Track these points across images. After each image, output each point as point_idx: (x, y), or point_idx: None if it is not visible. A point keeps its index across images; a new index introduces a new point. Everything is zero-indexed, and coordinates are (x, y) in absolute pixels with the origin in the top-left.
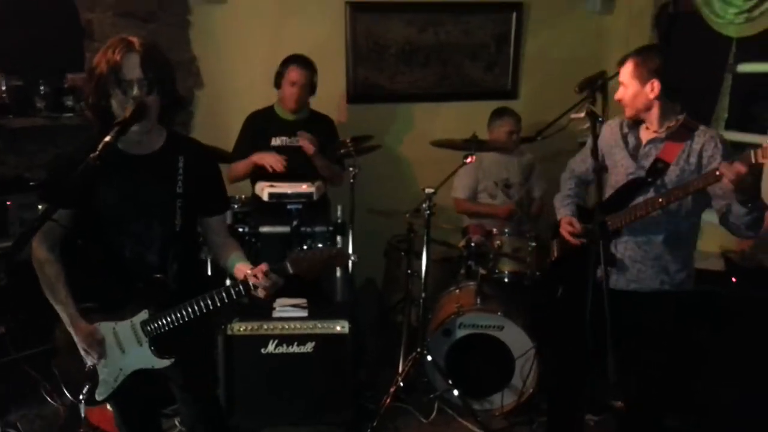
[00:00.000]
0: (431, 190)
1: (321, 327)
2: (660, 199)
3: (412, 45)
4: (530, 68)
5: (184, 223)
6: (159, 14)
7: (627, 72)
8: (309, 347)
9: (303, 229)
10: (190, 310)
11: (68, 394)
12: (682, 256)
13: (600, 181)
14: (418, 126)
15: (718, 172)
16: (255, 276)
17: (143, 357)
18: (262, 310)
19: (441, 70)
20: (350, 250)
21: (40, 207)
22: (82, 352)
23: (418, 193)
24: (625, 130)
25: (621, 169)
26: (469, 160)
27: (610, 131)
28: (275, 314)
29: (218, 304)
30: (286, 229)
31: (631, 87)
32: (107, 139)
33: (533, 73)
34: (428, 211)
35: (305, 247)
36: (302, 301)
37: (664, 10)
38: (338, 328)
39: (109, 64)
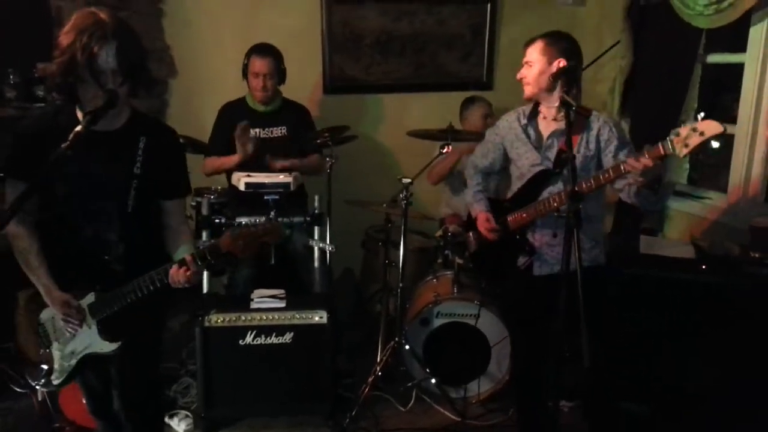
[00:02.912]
0: (408, 181)
1: (299, 317)
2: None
3: (388, 35)
4: (505, 59)
5: (137, 205)
6: (131, 2)
7: (536, 50)
8: (287, 338)
9: (280, 219)
10: (128, 293)
11: (29, 379)
12: (593, 232)
13: (574, 168)
14: (394, 116)
15: (623, 167)
16: (180, 272)
17: (92, 340)
18: (240, 301)
19: (416, 60)
20: (328, 241)
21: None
22: (60, 324)
23: (395, 184)
24: (524, 121)
25: (525, 162)
26: (445, 150)
27: (508, 125)
28: (253, 305)
29: (151, 288)
30: (263, 219)
31: (537, 65)
32: (78, 129)
33: (508, 64)
34: (405, 202)
35: (242, 222)
36: (280, 291)
37: (635, 1)
38: (317, 318)
39: (84, 52)
